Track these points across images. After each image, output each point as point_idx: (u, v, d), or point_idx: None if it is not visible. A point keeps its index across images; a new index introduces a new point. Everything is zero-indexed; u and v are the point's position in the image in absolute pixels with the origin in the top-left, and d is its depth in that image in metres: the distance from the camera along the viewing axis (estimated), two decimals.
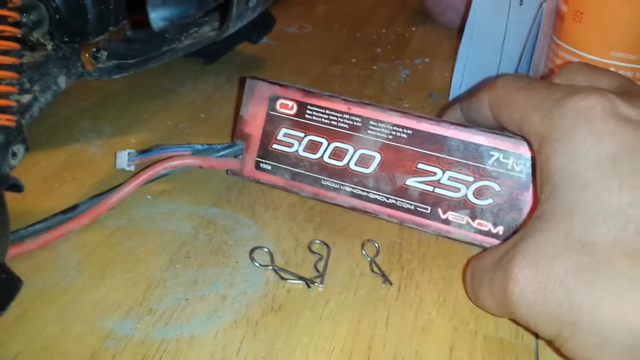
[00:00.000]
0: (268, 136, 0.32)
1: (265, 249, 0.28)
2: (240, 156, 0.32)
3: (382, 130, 0.29)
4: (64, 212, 0.28)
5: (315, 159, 0.31)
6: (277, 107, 0.31)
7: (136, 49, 0.31)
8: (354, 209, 0.30)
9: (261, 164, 0.32)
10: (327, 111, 0.30)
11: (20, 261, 0.26)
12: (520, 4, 0.43)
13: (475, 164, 0.28)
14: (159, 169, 0.29)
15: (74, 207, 0.28)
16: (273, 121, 0.31)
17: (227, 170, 0.33)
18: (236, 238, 0.29)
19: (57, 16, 0.29)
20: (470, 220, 0.28)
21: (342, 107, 0.30)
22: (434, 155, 0.29)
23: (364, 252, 0.29)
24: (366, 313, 0.25)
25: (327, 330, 0.24)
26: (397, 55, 0.53)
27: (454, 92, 0.44)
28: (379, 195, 0.30)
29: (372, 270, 0.28)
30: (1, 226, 0.19)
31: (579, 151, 0.21)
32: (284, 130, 0.31)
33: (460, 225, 0.28)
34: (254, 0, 0.29)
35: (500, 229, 0.28)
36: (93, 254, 0.27)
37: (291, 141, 0.31)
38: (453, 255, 0.29)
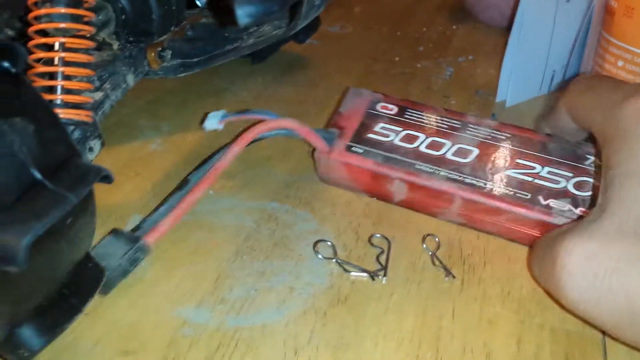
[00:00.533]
0: (364, 128, 0.32)
1: (328, 242, 0.29)
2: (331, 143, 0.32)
3: (481, 132, 0.31)
4: (179, 188, 0.29)
5: (411, 147, 0.31)
6: (378, 107, 0.33)
7: (199, 47, 0.32)
8: (447, 193, 0.29)
9: (353, 148, 0.31)
10: (426, 114, 0.32)
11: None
12: (568, 1, 0.43)
13: (574, 164, 0.29)
14: (264, 127, 0.30)
15: (186, 181, 0.29)
16: (371, 117, 0.32)
17: (312, 150, 0.33)
18: (297, 232, 0.30)
19: (123, 16, 0.30)
20: (572, 208, 0.27)
21: (442, 112, 0.33)
22: (533, 154, 0.30)
23: (424, 245, 0.29)
24: (431, 306, 0.26)
25: (394, 321, 0.25)
26: (439, 54, 0.53)
27: (502, 90, 0.44)
28: (475, 180, 0.29)
29: (434, 264, 0.28)
30: (90, 217, 0.20)
31: (637, 150, 0.22)
32: (381, 125, 0.32)
33: (562, 212, 0.27)
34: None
35: None
36: (161, 247, 0.28)
37: (387, 133, 0.32)
38: (512, 251, 0.29)
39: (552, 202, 0.28)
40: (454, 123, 0.32)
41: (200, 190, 0.28)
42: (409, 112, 0.33)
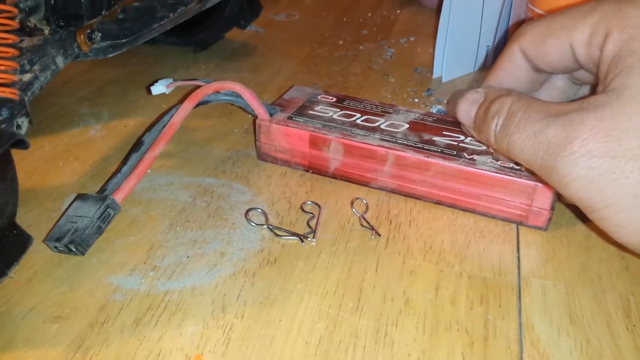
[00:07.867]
0: (305, 107, 0.35)
1: (260, 210, 0.30)
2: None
3: (411, 115, 0.34)
4: (135, 149, 0.30)
5: (348, 120, 0.34)
6: (318, 97, 0.37)
7: (128, 28, 0.33)
8: (381, 151, 0.31)
9: (294, 118, 0.34)
10: (363, 102, 0.36)
11: (28, 229, 0.27)
12: None
13: None
14: (214, 87, 0.32)
15: (140, 143, 0.30)
16: (312, 102, 0.36)
17: (254, 120, 0.34)
18: (232, 203, 0.31)
19: (53, 1, 0.31)
20: (494, 161, 0.30)
21: (377, 103, 0.36)
22: (458, 129, 0.32)
23: (353, 209, 0.30)
24: (357, 261, 0.27)
25: (320, 277, 0.26)
26: (382, 36, 0.55)
27: (437, 67, 0.46)
28: (407, 141, 0.31)
29: (362, 225, 0.29)
30: (10, 183, 0.21)
31: None
32: (321, 107, 0.35)
33: (485, 163, 0.30)
34: None
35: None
36: None
37: (327, 111, 0.35)
38: (437, 211, 0.30)
39: (475, 157, 0.30)
40: (387, 109, 0.35)
41: (158, 147, 0.29)
42: (346, 101, 0.36)
